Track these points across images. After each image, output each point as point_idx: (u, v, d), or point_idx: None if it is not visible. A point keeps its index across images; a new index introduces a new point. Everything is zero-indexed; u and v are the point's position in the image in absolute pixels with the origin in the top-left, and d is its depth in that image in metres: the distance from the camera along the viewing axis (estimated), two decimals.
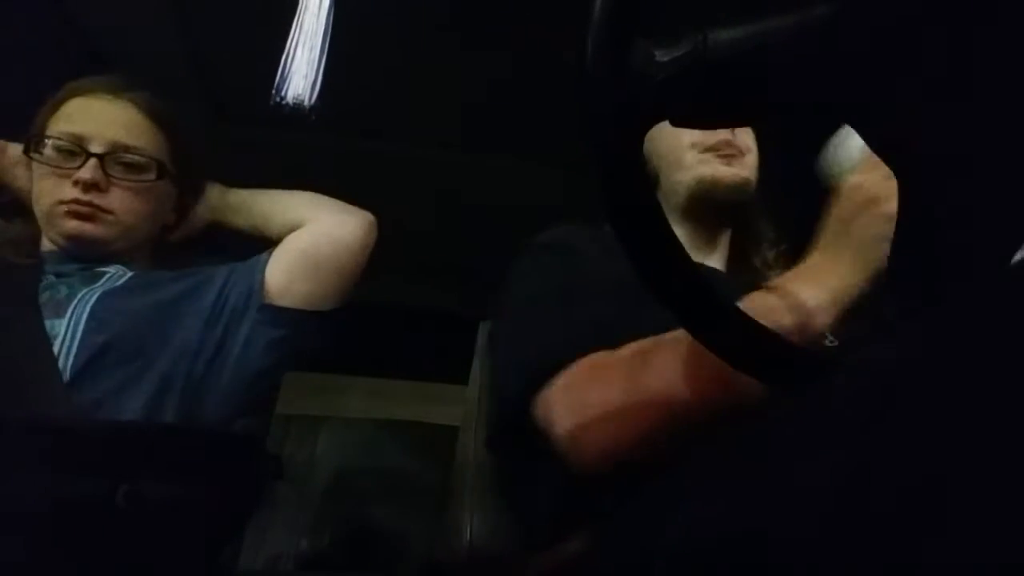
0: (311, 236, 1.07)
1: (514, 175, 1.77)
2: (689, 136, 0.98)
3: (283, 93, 0.87)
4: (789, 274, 0.75)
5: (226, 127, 1.55)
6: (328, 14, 0.87)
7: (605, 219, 0.47)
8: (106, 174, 0.98)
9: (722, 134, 0.96)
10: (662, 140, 1.00)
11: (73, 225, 0.97)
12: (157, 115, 1.03)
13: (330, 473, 2.11)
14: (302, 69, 0.87)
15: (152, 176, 1.01)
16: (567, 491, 0.78)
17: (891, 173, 0.70)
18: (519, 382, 0.82)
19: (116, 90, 1.02)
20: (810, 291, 0.71)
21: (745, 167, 0.99)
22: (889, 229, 0.68)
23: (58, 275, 0.97)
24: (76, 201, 0.97)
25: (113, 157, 0.98)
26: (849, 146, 0.80)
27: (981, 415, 0.21)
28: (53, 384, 0.86)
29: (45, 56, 1.05)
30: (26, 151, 1.00)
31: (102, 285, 0.97)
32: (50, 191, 0.98)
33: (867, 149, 0.76)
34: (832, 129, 0.83)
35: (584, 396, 0.78)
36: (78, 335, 0.90)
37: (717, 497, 0.34)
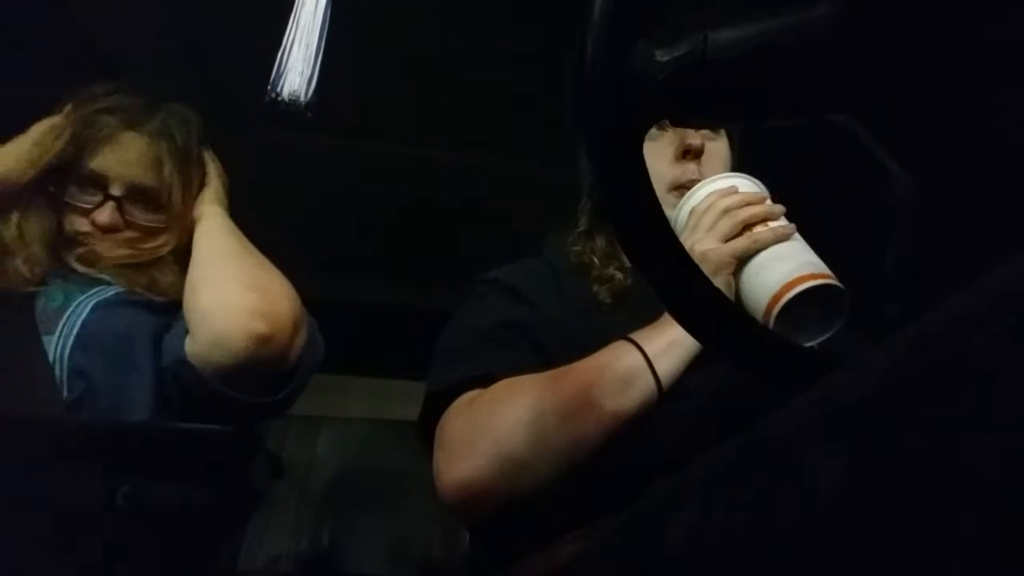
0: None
1: (514, 175, 1.77)
2: (655, 170, 0.96)
3: (279, 90, 0.86)
4: (648, 327, 0.79)
5: (225, 127, 1.55)
6: (325, 11, 0.86)
7: (608, 220, 0.47)
8: (123, 217, 0.99)
9: (691, 173, 0.89)
10: None
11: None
12: (180, 153, 1.02)
13: (330, 473, 2.11)
14: (298, 66, 0.86)
15: (168, 215, 1.01)
16: (564, 491, 0.78)
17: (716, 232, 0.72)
18: (423, 407, 0.88)
19: (140, 122, 1.01)
20: (657, 344, 0.76)
21: None
22: (731, 292, 0.71)
23: (56, 277, 0.97)
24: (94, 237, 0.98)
25: (132, 198, 0.99)
26: (683, 211, 0.79)
27: (981, 414, 0.21)
28: (51, 395, 0.86)
29: (45, 56, 1.05)
30: (45, 184, 0.97)
31: (96, 294, 0.96)
32: (69, 220, 0.99)
33: (694, 210, 0.77)
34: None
35: (446, 432, 0.82)
36: (67, 353, 0.90)
37: (717, 497, 0.34)
